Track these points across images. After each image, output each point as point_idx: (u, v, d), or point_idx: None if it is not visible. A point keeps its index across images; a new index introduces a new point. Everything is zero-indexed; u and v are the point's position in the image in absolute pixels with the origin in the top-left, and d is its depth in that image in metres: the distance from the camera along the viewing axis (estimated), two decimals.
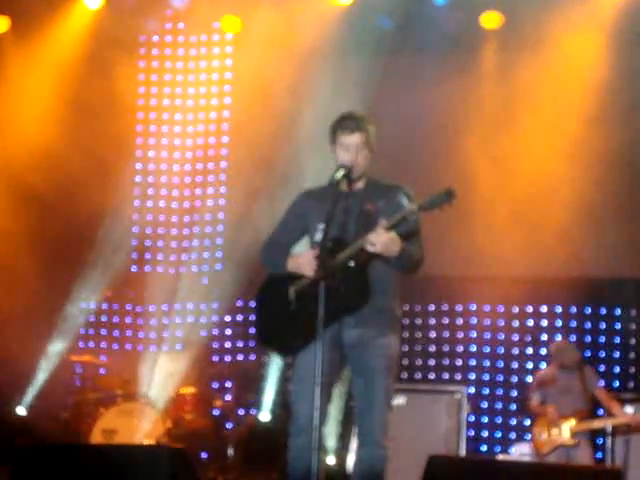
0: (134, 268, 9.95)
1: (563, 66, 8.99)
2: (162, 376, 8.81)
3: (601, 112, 8.88)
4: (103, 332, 9.92)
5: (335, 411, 8.62)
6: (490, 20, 9.07)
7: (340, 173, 4.83)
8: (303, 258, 4.86)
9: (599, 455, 8.53)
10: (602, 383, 8.47)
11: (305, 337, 4.80)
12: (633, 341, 9.27)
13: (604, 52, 8.84)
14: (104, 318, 9.95)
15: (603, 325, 9.37)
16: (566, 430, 8.07)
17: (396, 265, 4.82)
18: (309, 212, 5.02)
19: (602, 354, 9.31)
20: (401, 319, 5.04)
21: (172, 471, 5.45)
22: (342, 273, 4.73)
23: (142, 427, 8.20)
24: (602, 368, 9.21)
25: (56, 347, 9.20)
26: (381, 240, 4.65)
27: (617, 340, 9.32)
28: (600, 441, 8.55)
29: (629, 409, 8.07)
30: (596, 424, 8.15)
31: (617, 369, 9.24)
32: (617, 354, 9.29)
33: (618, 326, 9.34)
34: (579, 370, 8.38)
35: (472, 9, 9.08)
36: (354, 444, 7.97)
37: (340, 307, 4.73)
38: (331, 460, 8.48)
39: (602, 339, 9.35)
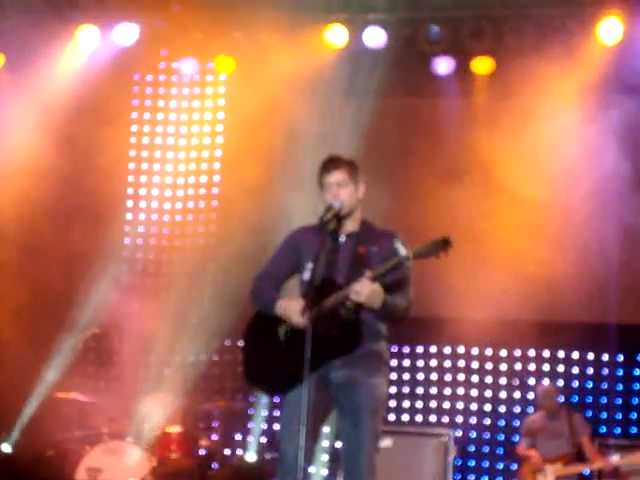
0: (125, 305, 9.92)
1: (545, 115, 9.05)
2: (148, 415, 8.77)
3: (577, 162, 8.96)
4: (90, 369, 9.87)
5: (321, 452, 8.60)
6: (481, 65, 9.14)
7: (330, 213, 4.87)
8: (291, 305, 4.88)
9: None
10: (589, 431, 8.48)
11: (293, 377, 4.80)
12: (620, 387, 9.28)
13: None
14: (91, 355, 9.91)
15: (590, 370, 9.39)
16: (551, 474, 8.07)
17: (379, 316, 4.86)
18: (301, 249, 5.05)
19: (589, 399, 9.32)
20: (389, 361, 5.06)
21: None
22: (332, 317, 4.76)
23: (127, 466, 8.14)
24: (589, 414, 9.22)
25: (44, 384, 9.15)
26: (365, 290, 4.70)
27: (604, 386, 9.33)
28: None
29: (615, 457, 8.07)
30: (581, 468, 8.16)
31: (604, 415, 9.24)
32: (604, 400, 9.29)
33: (605, 372, 9.36)
34: (567, 415, 8.40)
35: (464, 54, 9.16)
36: None
37: (330, 350, 4.75)
38: None
39: (589, 384, 9.36)
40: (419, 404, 9.56)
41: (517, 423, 9.24)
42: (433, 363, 9.67)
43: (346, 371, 4.87)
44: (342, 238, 4.96)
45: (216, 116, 10.29)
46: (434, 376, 9.65)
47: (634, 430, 9.12)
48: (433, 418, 9.53)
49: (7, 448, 8.90)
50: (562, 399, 8.71)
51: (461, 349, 9.61)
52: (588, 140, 8.93)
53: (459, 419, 9.47)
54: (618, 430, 9.14)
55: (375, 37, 8.94)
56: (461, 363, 9.61)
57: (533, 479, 8.16)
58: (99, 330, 9.35)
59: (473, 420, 9.48)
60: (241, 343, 5.28)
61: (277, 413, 9.50)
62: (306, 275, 4.94)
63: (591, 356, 9.39)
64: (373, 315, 4.85)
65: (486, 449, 9.41)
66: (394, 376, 9.50)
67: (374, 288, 4.71)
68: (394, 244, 4.82)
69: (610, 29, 8.53)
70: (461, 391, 9.56)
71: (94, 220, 9.52)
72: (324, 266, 4.84)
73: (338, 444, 8.07)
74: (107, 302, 9.40)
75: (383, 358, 4.99)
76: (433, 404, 9.59)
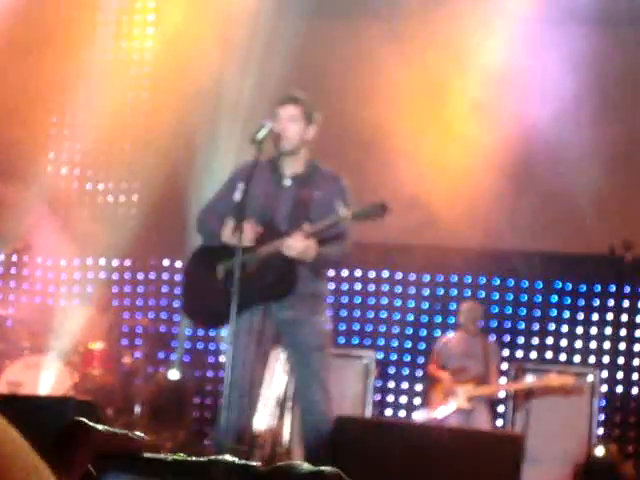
0: (47, 220, 9.80)
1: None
2: (71, 330, 8.73)
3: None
4: (12, 284, 9.79)
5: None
6: None
7: (262, 132, 4.83)
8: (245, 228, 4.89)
9: (499, 423, 8.76)
10: (498, 359, 8.68)
11: (227, 314, 4.90)
12: (537, 313, 9.50)
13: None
14: (13, 270, 9.82)
15: (510, 296, 9.58)
16: (462, 394, 8.21)
17: (310, 268, 4.91)
18: (243, 183, 5.06)
19: (507, 324, 9.52)
20: (327, 299, 5.17)
21: None
22: (267, 264, 4.83)
23: (48, 380, 8.12)
24: (507, 338, 9.43)
25: None
26: (297, 247, 4.77)
27: (522, 312, 9.54)
28: (501, 408, 8.78)
29: (530, 378, 8.28)
30: (493, 389, 8.35)
31: (521, 340, 9.47)
32: (521, 325, 9.51)
33: (524, 298, 9.56)
34: (482, 339, 8.57)
35: None
36: (262, 404, 8.04)
37: (266, 294, 4.85)
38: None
39: (508, 310, 9.56)
40: (342, 327, 9.67)
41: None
42: (357, 287, 9.77)
43: (290, 311, 4.98)
44: (287, 182, 4.99)
45: (145, 31, 10.09)
46: (358, 299, 9.75)
47: (549, 355, 9.36)
48: (356, 340, 9.66)
49: None
50: (481, 324, 8.87)
51: (385, 273, 9.72)
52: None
53: (381, 342, 9.61)
54: (534, 354, 9.38)
55: None
56: (385, 287, 9.72)
57: (444, 401, 8.28)
58: (21, 245, 9.25)
59: (394, 343, 9.63)
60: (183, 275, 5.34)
61: (201, 333, 9.53)
62: (237, 195, 4.94)
63: (511, 282, 9.58)
64: (306, 267, 4.92)
65: (406, 371, 9.59)
66: None
67: (307, 244, 4.77)
68: (336, 194, 4.87)
69: None
70: (384, 314, 9.68)
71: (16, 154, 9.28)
72: (266, 209, 4.89)
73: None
74: (28, 219, 9.25)
75: (323, 296, 5.12)
76: (356, 327, 9.71)
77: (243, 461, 0.64)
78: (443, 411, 8.18)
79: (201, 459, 0.66)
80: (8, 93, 8.98)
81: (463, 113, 8.98)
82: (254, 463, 0.63)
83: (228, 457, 0.65)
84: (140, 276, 9.77)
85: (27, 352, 8.37)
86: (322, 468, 0.61)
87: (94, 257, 9.77)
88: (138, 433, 0.71)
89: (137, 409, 8.32)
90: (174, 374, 8.72)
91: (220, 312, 4.92)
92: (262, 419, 7.95)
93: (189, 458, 0.67)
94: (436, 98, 9.03)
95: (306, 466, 0.62)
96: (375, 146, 8.89)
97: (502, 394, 8.64)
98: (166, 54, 9.63)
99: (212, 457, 0.65)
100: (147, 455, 0.69)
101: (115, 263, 9.78)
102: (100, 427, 0.67)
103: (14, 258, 9.73)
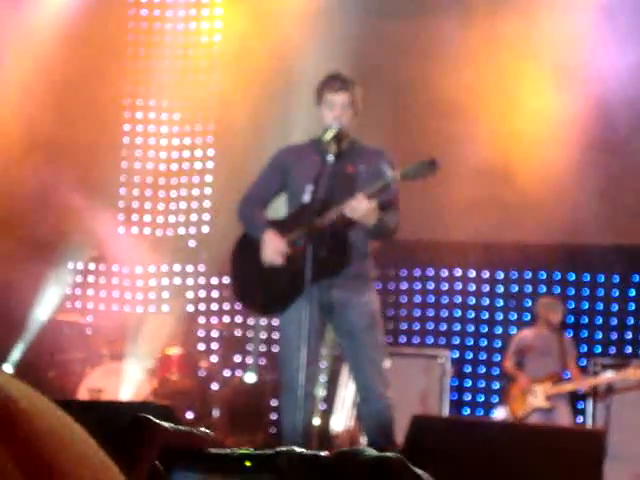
0: (121, 229, 9.97)
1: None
2: (148, 337, 8.84)
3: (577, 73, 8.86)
4: (90, 292, 9.96)
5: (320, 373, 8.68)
6: None
7: (330, 134, 4.86)
8: (272, 243, 4.90)
9: (580, 419, 8.65)
10: (575, 354, 8.57)
11: (284, 298, 4.87)
12: (615, 307, 9.36)
13: None
14: (91, 279, 9.99)
15: (586, 291, 9.45)
16: (541, 393, 8.14)
17: (371, 233, 4.89)
18: (290, 168, 5.06)
19: (584, 320, 9.40)
20: (375, 279, 5.12)
21: None
22: (321, 238, 4.80)
23: (128, 386, 8.24)
24: (584, 334, 9.31)
25: (44, 306, 9.22)
26: (361, 208, 4.72)
27: (599, 307, 9.41)
28: (581, 405, 8.67)
29: (609, 374, 8.17)
30: (571, 386, 8.25)
31: (599, 335, 9.33)
32: (599, 320, 9.38)
33: (601, 293, 9.42)
34: (558, 335, 8.46)
35: None
36: (339, 405, 8.06)
37: (318, 271, 4.78)
38: (316, 421, 8.55)
39: (585, 305, 9.43)
40: (416, 326, 9.64)
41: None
42: (430, 286, 9.73)
43: (336, 292, 4.92)
44: (330, 157, 4.94)
45: (212, 39, 10.18)
46: (431, 298, 9.71)
47: (629, 350, 9.21)
48: (430, 340, 9.62)
49: (8, 368, 8.99)
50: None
51: (458, 272, 9.66)
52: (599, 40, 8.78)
53: (456, 341, 9.55)
54: (613, 350, 9.24)
55: None
56: (458, 286, 9.66)
57: (523, 400, 8.22)
58: (97, 253, 9.39)
59: (470, 342, 9.57)
60: (229, 264, 5.28)
61: (275, 335, 9.58)
62: (306, 197, 4.95)
63: (587, 277, 9.45)
64: (363, 234, 4.89)
65: (482, 370, 9.52)
66: (392, 299, 9.56)
67: (370, 206, 4.73)
68: (382, 163, 4.83)
69: None
70: (458, 313, 9.63)
71: (88, 163, 9.41)
72: (322, 187, 4.86)
73: (336, 367, 8.16)
74: (103, 230, 9.39)
75: (370, 276, 5.05)
76: (430, 326, 9.67)
77: (311, 452, 0.65)
78: (522, 410, 8.12)
79: (267, 451, 0.67)
80: (79, 102, 9.14)
81: (532, 114, 8.89)
82: (321, 453, 0.64)
83: (296, 448, 0.66)
84: (214, 281, 9.84)
85: (107, 359, 8.51)
86: (387, 454, 0.62)
87: (168, 263, 9.88)
88: (203, 429, 0.72)
89: (215, 413, 8.40)
90: (250, 377, 8.79)
91: (274, 298, 4.93)
92: (339, 420, 7.97)
93: (255, 451, 0.68)
94: (507, 99, 8.96)
95: (370, 451, 0.62)
96: (444, 153, 8.84)
97: (582, 390, 8.53)
98: (234, 55, 9.71)
99: (279, 448, 0.66)
100: (213, 450, 0.70)
101: (190, 269, 9.88)
102: (165, 424, 0.69)
103: (91, 267, 9.89)
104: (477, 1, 9.01)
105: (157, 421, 0.71)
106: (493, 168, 8.81)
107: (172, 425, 0.70)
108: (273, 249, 4.87)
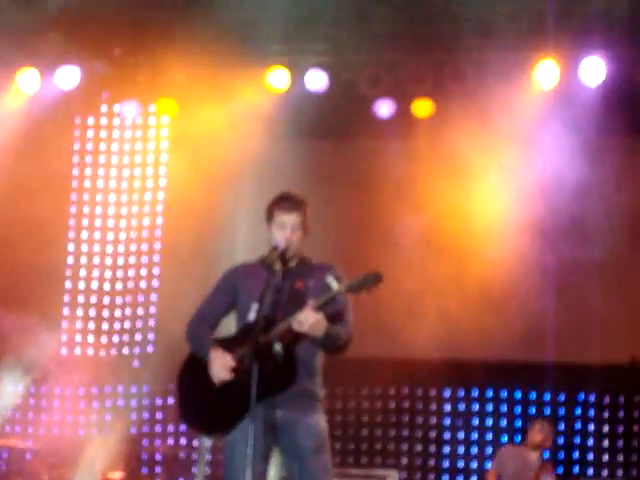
0: (64, 350, 9.82)
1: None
2: (90, 461, 8.64)
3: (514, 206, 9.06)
4: (30, 416, 9.74)
5: None
6: (422, 108, 9.22)
7: (275, 254, 4.87)
8: (219, 360, 4.86)
9: None
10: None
11: (230, 417, 4.80)
12: (591, 428, 9.31)
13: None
14: (32, 401, 9.78)
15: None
16: None
17: (322, 346, 4.86)
18: (239, 288, 5.04)
19: (560, 441, 9.30)
20: (322, 398, 5.03)
21: None
22: (267, 354, 4.74)
23: None
24: (561, 455, 9.24)
25: None
26: (308, 320, 4.70)
27: (578, 426, 9.36)
28: None
29: None
30: None
31: (576, 455, 9.27)
32: (577, 440, 9.32)
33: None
34: (540, 462, 8.36)
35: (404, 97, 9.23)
36: None
37: (264, 387, 4.70)
38: None
39: (561, 427, 9.35)
40: (364, 446, 9.53)
41: (461, 464, 9.26)
42: (377, 404, 9.66)
43: (283, 411, 4.84)
44: (280, 276, 4.91)
45: (159, 159, 10.28)
46: (378, 417, 9.63)
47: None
48: (378, 460, 9.50)
49: None
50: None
51: (405, 390, 9.62)
52: (524, 184, 9.01)
53: (404, 461, 9.44)
54: (590, 471, 9.17)
55: (316, 80, 9.00)
56: (406, 404, 9.60)
57: None
58: (39, 375, 9.23)
59: (418, 461, 9.47)
60: (175, 384, 5.21)
61: (221, 457, 9.40)
62: (251, 315, 4.93)
63: (562, 397, 9.39)
64: (312, 350, 4.85)
65: None
66: (339, 418, 9.47)
67: (317, 317, 4.71)
68: (329, 278, 4.84)
69: (547, 73, 8.68)
70: (406, 432, 9.54)
71: (30, 282, 9.36)
72: (267, 304, 4.84)
73: None
74: (48, 348, 9.25)
75: (317, 395, 4.97)
76: (378, 446, 9.56)
77: None
78: None
79: None
80: (20, 219, 9.13)
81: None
82: None
83: None
84: (158, 402, 9.69)
85: None
86: None
87: (112, 385, 9.72)
88: None
89: None
90: None
91: (220, 418, 4.84)
92: None
93: None
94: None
95: None
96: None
97: None
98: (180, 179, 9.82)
99: None
100: None
101: (133, 390, 9.73)
102: None
103: (32, 389, 9.70)
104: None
105: None
106: None
107: None
108: (220, 365, 4.82)
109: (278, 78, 9.02)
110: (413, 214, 9.17)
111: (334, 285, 4.79)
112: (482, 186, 9.11)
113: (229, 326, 5.27)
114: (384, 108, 9.21)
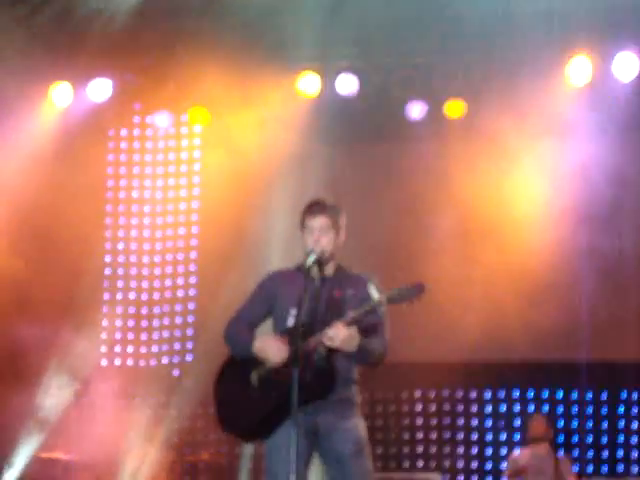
0: (104, 361, 9.87)
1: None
2: (132, 471, 8.68)
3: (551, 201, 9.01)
4: (73, 427, 9.78)
5: None
6: (454, 109, 9.19)
7: (311, 259, 4.86)
8: (269, 343, 4.86)
9: None
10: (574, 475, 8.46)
11: (268, 423, 4.79)
12: (605, 425, 9.25)
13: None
14: (74, 413, 9.82)
15: (575, 409, 9.36)
16: None
17: (355, 359, 4.84)
18: (277, 294, 5.04)
19: (575, 439, 9.26)
20: (359, 404, 5.01)
21: None
22: (306, 362, 4.73)
23: None
24: (575, 453, 9.18)
25: (26, 444, 9.04)
26: (339, 336, 4.69)
27: (589, 425, 9.30)
28: None
29: None
30: None
31: (590, 454, 9.20)
32: (590, 439, 9.26)
33: (590, 410, 9.34)
34: (553, 454, 8.35)
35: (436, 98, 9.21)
36: None
37: (302, 395, 4.68)
38: None
39: (574, 424, 9.31)
40: (406, 450, 9.50)
41: (504, 466, 9.21)
42: (418, 408, 9.63)
43: (321, 417, 4.84)
44: (318, 284, 4.93)
45: (192, 168, 10.31)
46: (420, 421, 9.59)
47: (621, 468, 9.09)
48: (420, 464, 9.47)
49: None
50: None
51: (446, 392, 9.58)
52: (561, 180, 8.97)
53: (447, 463, 9.40)
54: (605, 469, 9.10)
55: (347, 84, 9.00)
56: (447, 407, 9.56)
57: None
58: (81, 386, 9.28)
59: (460, 464, 9.42)
60: (213, 390, 5.20)
61: (263, 465, 9.40)
62: (290, 321, 4.92)
63: (575, 395, 9.35)
64: (348, 360, 4.84)
65: None
66: (379, 422, 9.45)
67: (349, 332, 4.69)
68: (368, 288, 4.81)
69: (579, 70, 8.62)
70: (447, 435, 9.50)
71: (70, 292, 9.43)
72: (305, 311, 4.82)
73: None
74: (89, 359, 9.32)
75: (354, 401, 4.95)
76: (419, 449, 9.52)
77: None
78: None
79: None
80: (57, 239, 9.20)
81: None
82: None
83: None
84: (199, 410, 9.71)
85: None
86: None
87: (152, 395, 9.75)
88: None
89: None
90: None
91: (258, 424, 4.83)
92: None
93: None
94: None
95: None
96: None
97: None
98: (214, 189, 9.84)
99: None
100: None
101: (173, 399, 9.76)
102: None
103: (74, 401, 9.75)
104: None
105: None
106: None
107: None
108: (272, 348, 4.81)
109: (309, 83, 9.03)
110: (449, 215, 9.13)
111: (375, 295, 4.76)
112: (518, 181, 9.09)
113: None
114: (416, 110, 9.18)
